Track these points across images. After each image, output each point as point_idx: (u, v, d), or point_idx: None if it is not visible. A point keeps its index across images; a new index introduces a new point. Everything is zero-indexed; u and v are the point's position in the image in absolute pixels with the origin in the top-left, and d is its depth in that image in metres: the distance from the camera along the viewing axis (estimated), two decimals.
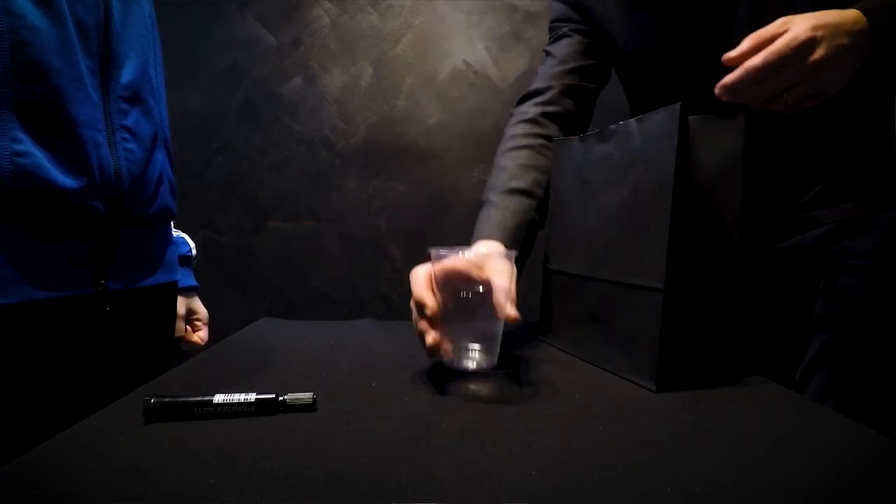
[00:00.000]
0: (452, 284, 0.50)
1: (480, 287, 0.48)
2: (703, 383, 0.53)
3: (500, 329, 0.51)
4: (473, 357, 0.51)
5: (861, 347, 0.59)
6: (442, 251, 0.51)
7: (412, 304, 0.53)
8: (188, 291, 0.85)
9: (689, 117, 0.51)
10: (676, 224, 0.50)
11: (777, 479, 0.35)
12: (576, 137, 0.67)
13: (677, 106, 0.50)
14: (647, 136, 0.55)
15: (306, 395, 0.46)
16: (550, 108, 0.75)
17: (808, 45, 0.46)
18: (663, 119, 0.52)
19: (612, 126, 0.61)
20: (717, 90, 0.51)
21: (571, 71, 0.75)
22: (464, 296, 0.48)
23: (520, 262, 0.64)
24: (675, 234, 0.50)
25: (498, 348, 0.51)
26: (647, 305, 0.52)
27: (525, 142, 0.74)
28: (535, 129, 0.74)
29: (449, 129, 1.72)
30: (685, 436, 0.42)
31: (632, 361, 0.55)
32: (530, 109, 0.76)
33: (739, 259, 0.55)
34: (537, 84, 0.77)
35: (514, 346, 0.66)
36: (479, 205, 0.71)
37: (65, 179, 0.52)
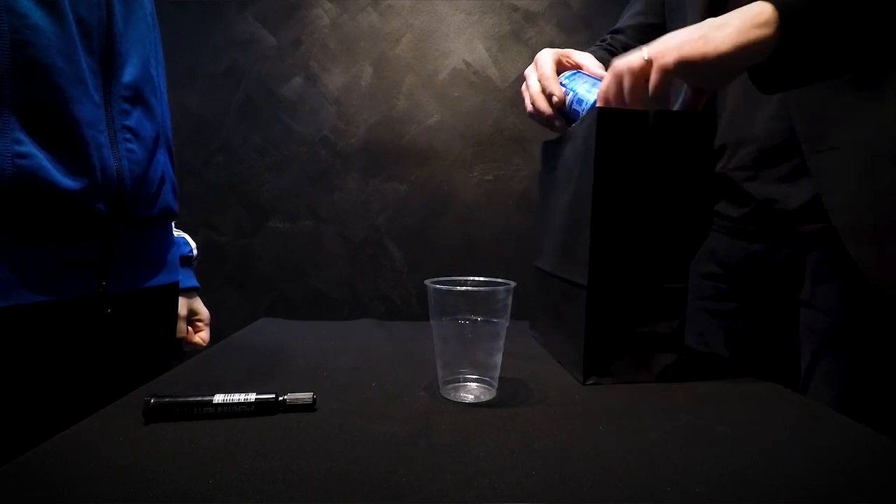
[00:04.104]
0: None
1: (479, 318, 0.48)
2: (628, 376, 0.55)
3: (499, 359, 0.51)
4: (472, 389, 0.51)
5: (848, 359, 0.59)
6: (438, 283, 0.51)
7: (535, 80, 0.63)
8: (189, 292, 0.85)
9: (650, 113, 0.52)
10: (598, 223, 0.52)
11: (777, 478, 0.35)
12: (555, 140, 0.68)
13: (596, 108, 0.51)
14: (583, 138, 0.55)
15: (306, 395, 0.46)
16: (629, 44, 0.80)
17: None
18: (590, 121, 0.53)
19: (570, 127, 0.61)
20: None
21: (646, 25, 0.81)
22: (462, 323, 0.48)
23: None
24: (596, 232, 0.52)
25: (496, 380, 0.51)
26: (579, 301, 0.55)
27: (601, 52, 0.80)
28: (611, 50, 0.80)
29: (449, 128, 1.72)
30: (685, 435, 0.42)
31: (570, 353, 0.59)
32: (608, 38, 0.83)
33: (675, 253, 0.55)
34: (619, 24, 0.85)
35: (514, 347, 0.66)
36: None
37: (66, 181, 0.52)
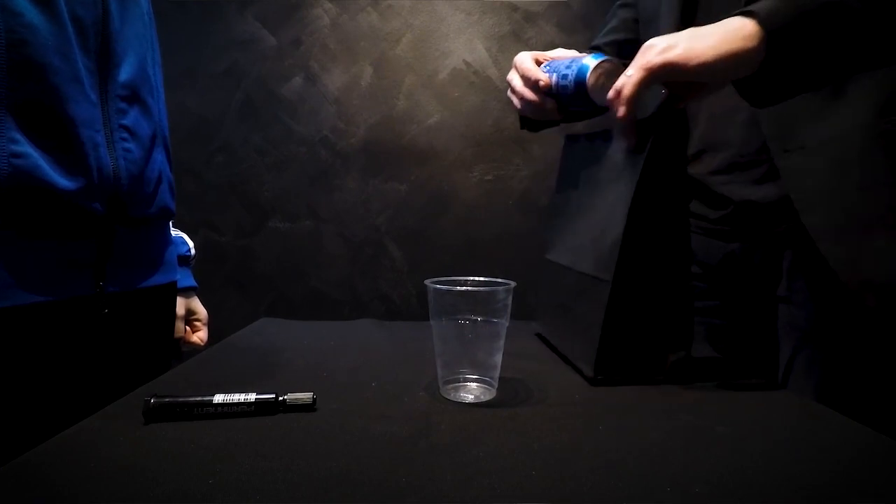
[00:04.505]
0: None
1: (479, 318, 0.48)
2: (638, 374, 0.55)
3: (499, 359, 0.51)
4: (472, 389, 0.51)
5: (827, 352, 0.61)
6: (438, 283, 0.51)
7: (518, 76, 0.66)
8: (187, 292, 0.85)
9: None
10: (632, 223, 0.53)
11: (777, 478, 0.35)
12: (584, 135, 0.69)
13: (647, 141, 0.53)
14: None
15: (306, 395, 0.46)
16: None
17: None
18: (644, 126, 0.54)
19: (611, 127, 0.62)
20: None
21: (622, 41, 0.83)
22: (462, 323, 0.48)
23: None
24: (629, 231, 0.53)
25: (496, 380, 0.51)
26: (598, 295, 0.55)
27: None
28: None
29: (449, 128, 1.72)
30: (685, 436, 0.42)
31: (580, 348, 0.59)
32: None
33: (686, 259, 0.57)
34: (595, 41, 0.88)
35: (514, 347, 0.66)
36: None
37: (63, 180, 0.52)
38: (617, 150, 0.60)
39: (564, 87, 0.60)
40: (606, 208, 0.59)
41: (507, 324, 0.50)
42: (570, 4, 1.70)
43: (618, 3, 0.86)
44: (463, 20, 1.70)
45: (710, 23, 0.51)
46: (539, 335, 0.74)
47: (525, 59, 0.66)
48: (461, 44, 1.71)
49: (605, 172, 0.62)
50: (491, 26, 1.70)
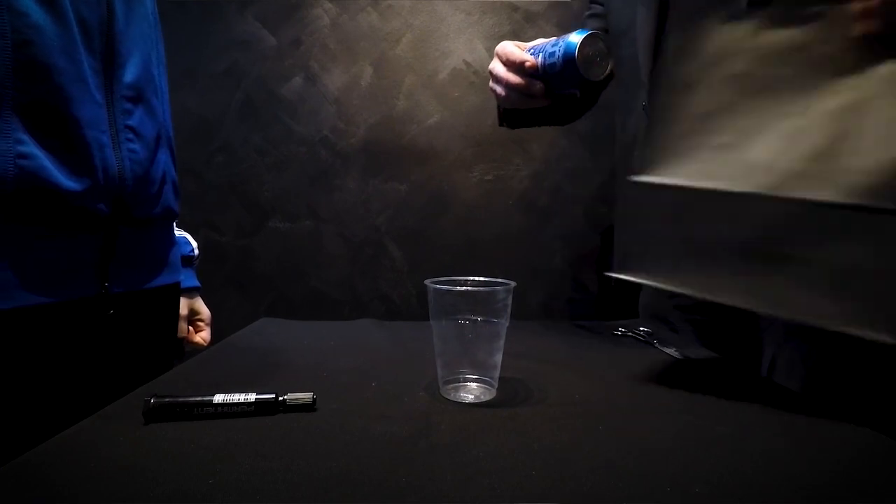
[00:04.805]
0: None
1: (479, 318, 0.48)
2: None
3: (499, 359, 0.51)
4: (472, 389, 0.51)
5: (810, 348, 0.61)
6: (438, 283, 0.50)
7: (500, 63, 0.65)
8: (190, 292, 0.85)
9: None
10: None
11: (777, 478, 0.35)
12: (717, 19, 0.51)
13: None
14: None
15: (306, 395, 0.46)
16: None
17: None
18: None
19: (803, 10, 0.46)
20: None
21: None
22: (462, 323, 0.48)
23: None
24: None
25: (496, 380, 0.51)
26: None
27: None
28: None
29: (449, 128, 1.72)
30: (685, 435, 0.42)
31: (843, 307, 0.45)
32: None
33: None
34: None
35: (514, 347, 0.66)
36: None
37: (68, 181, 0.52)
38: (828, 37, 0.45)
39: (552, 65, 0.59)
40: (838, 113, 0.43)
41: (507, 324, 0.50)
42: (570, 4, 1.70)
43: (587, 13, 0.86)
44: (463, 20, 1.70)
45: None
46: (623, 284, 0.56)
47: (507, 45, 0.65)
48: (461, 44, 1.70)
49: (800, 65, 0.46)
50: (491, 26, 1.70)
